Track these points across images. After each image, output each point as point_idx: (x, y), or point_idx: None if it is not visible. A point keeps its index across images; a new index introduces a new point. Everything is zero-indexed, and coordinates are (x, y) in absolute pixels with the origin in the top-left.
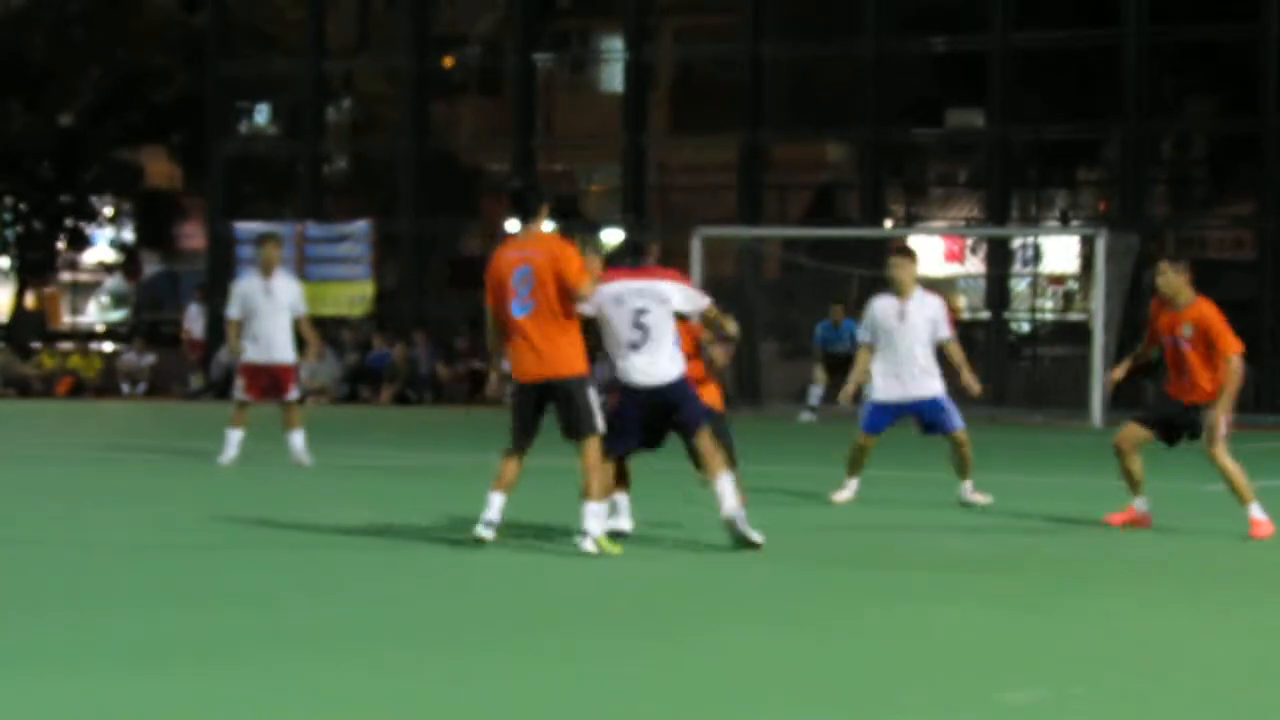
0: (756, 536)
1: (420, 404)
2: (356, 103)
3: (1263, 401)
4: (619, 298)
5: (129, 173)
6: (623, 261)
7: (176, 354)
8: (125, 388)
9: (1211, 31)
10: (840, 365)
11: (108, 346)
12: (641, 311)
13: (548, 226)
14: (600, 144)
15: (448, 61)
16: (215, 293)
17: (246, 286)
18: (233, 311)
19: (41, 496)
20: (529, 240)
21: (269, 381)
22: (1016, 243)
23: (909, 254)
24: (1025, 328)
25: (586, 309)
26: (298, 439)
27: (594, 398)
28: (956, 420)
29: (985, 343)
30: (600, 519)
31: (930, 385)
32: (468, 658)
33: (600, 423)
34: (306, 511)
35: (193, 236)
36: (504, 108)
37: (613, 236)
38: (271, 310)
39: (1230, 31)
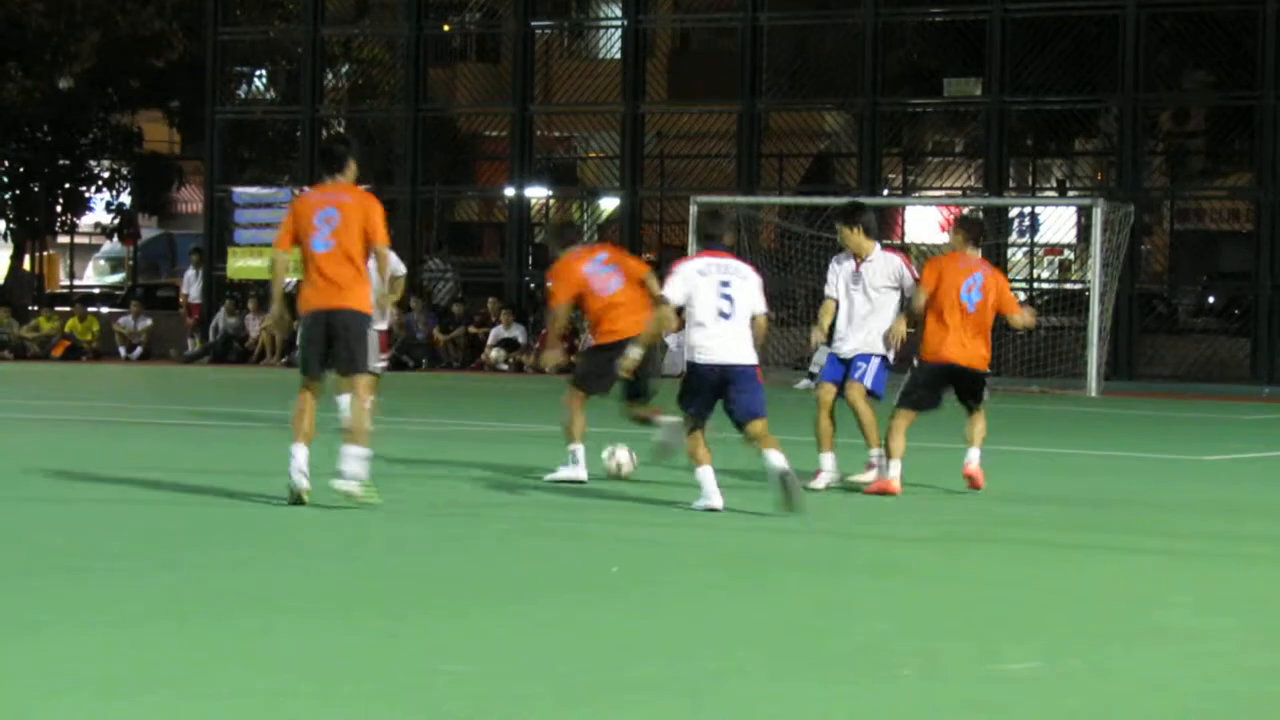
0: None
1: (416, 369)
2: (355, 69)
3: (1259, 372)
4: (704, 270)
5: (127, 137)
6: (706, 245)
7: (173, 318)
8: (122, 351)
9: (1209, 4)
10: None
11: (105, 310)
12: (725, 284)
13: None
14: (598, 111)
15: (446, 27)
16: (212, 257)
17: None
18: None
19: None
20: (338, 188)
21: None
22: (1014, 212)
23: (847, 218)
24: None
25: (674, 294)
26: (344, 401)
27: (374, 339)
28: (871, 381)
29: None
30: (362, 461)
31: (879, 346)
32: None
33: (375, 365)
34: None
35: (190, 201)
36: (502, 74)
37: (609, 204)
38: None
39: (1228, 4)
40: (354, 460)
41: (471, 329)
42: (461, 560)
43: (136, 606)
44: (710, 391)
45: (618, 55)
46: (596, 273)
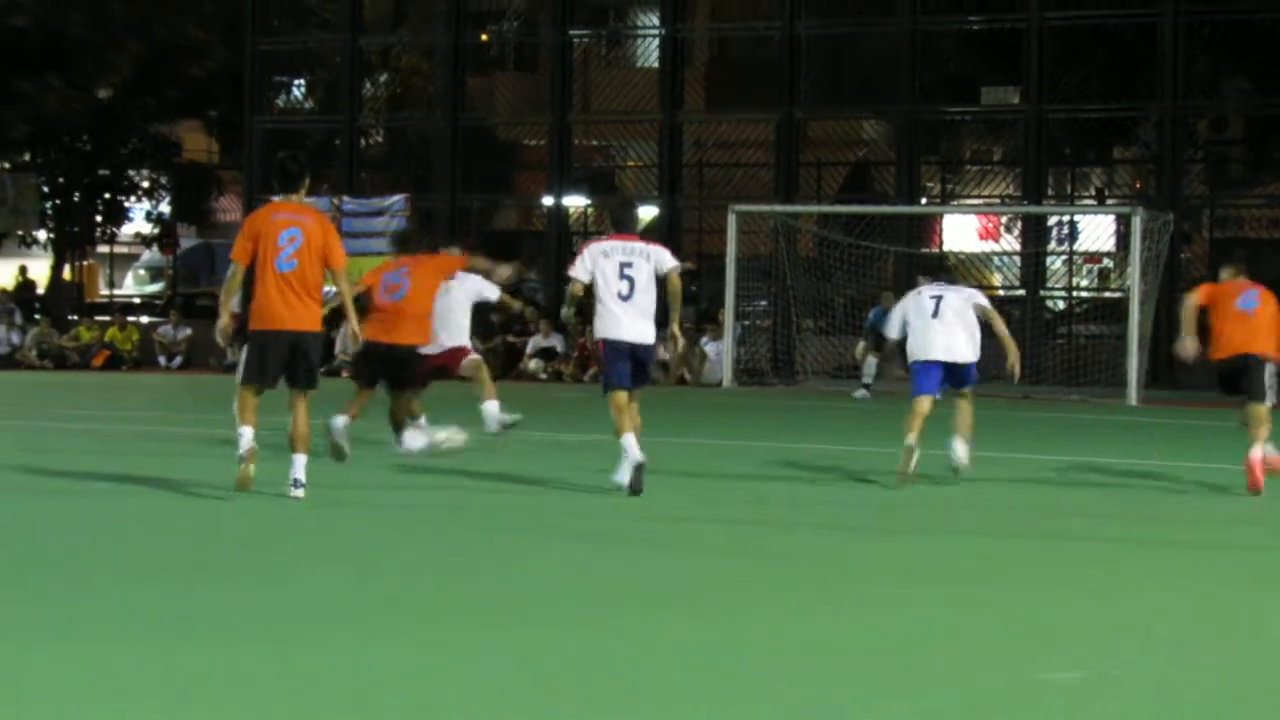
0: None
1: (454, 378)
2: (393, 77)
3: None
4: (607, 252)
5: (166, 146)
6: (616, 229)
7: (213, 327)
8: (161, 360)
9: (1248, 11)
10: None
11: (144, 319)
12: (626, 265)
13: (311, 197)
14: (636, 120)
15: (484, 36)
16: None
17: None
18: None
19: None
20: (299, 208)
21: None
22: (1052, 220)
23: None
24: (1061, 305)
25: (579, 273)
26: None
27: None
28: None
29: (1021, 320)
30: (305, 468)
31: None
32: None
33: (318, 382)
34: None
35: (229, 210)
36: (540, 83)
37: (648, 213)
38: (446, 308)
39: (1267, 11)
40: (301, 468)
41: (510, 338)
42: (518, 571)
43: (188, 615)
44: (626, 360)
45: (655, 64)
46: (390, 280)
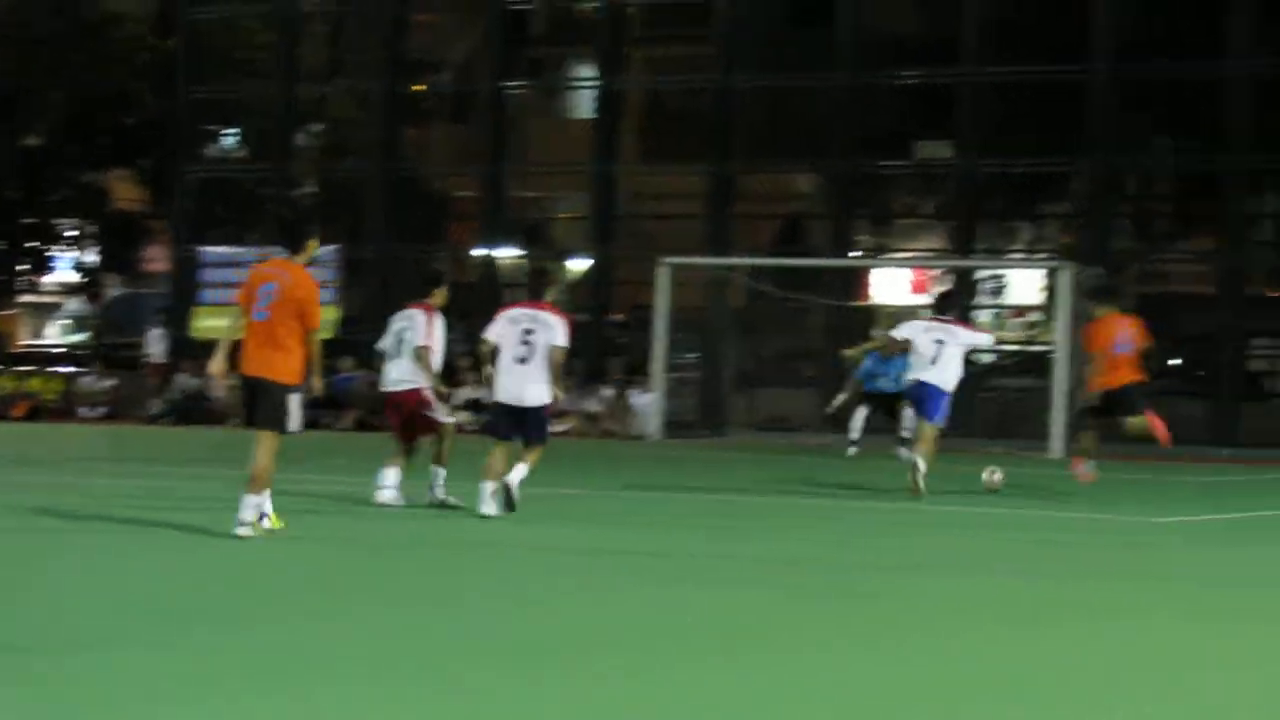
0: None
1: (383, 430)
2: (326, 127)
3: (1219, 435)
4: (515, 318)
5: (95, 195)
6: (527, 296)
7: (137, 378)
8: (84, 411)
9: (1177, 69)
10: (884, 401)
11: (68, 369)
12: (529, 331)
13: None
14: (570, 172)
15: (420, 87)
16: (178, 317)
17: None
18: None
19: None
20: (285, 265)
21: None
22: (982, 274)
23: None
24: (988, 359)
25: (490, 334)
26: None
27: (294, 405)
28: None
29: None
30: (254, 510)
31: None
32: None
33: (288, 425)
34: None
35: (157, 260)
36: (474, 134)
37: (579, 265)
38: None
39: (1194, 70)
40: (249, 509)
41: (441, 388)
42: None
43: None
44: (509, 418)
45: (590, 116)
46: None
